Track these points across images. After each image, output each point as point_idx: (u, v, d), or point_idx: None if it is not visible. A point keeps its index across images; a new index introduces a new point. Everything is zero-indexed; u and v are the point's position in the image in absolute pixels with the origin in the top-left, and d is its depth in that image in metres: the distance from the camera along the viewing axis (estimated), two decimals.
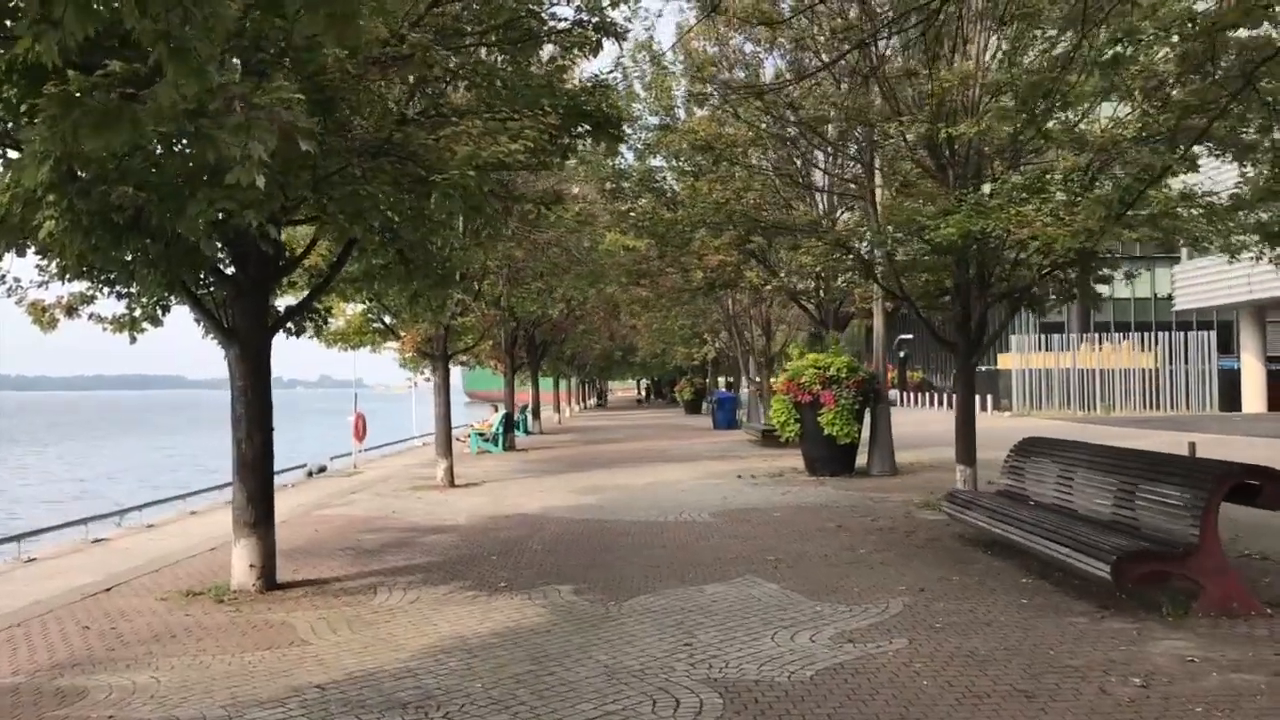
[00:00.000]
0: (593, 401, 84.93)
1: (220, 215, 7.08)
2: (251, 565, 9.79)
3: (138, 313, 11.10)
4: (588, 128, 10.94)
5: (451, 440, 20.60)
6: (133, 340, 11.23)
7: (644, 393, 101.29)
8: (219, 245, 9.24)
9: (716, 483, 19.14)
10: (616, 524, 14.07)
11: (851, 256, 15.35)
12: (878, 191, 17.76)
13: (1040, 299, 15.30)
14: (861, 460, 20.19)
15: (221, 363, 10.40)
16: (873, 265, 14.75)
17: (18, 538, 12.41)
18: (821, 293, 23.95)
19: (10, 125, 7.52)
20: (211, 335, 11.06)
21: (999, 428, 35.32)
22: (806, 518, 14.14)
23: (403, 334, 20.77)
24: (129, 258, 8.65)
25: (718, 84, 18.74)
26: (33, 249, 8.48)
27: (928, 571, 10.08)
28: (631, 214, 22.07)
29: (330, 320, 15.42)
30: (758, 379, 40.73)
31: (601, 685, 6.57)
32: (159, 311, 11.15)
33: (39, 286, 10.02)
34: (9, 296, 10.06)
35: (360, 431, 25.87)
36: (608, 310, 39.51)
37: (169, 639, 8.11)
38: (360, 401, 26.71)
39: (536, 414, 40.53)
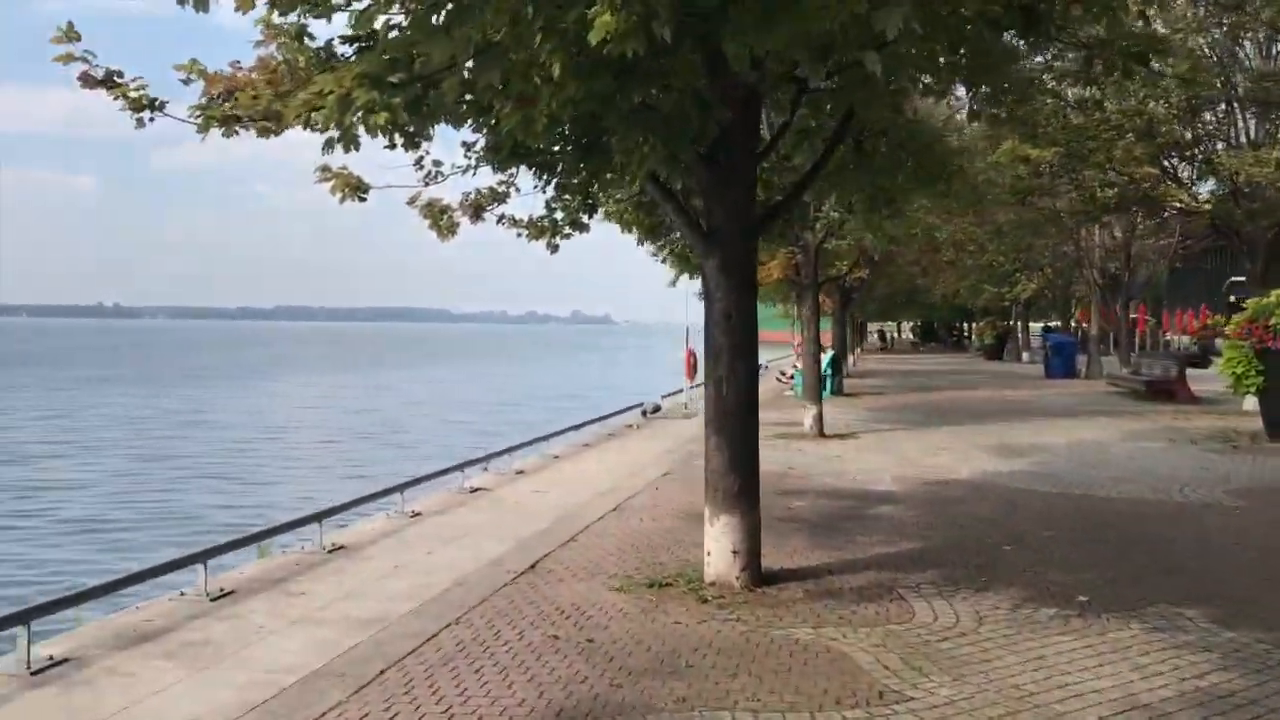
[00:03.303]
0: (872, 342, 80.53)
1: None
2: (735, 551, 7.19)
3: (560, 215, 8.76)
4: None
5: (820, 385, 17.81)
6: (554, 250, 8.93)
7: (918, 336, 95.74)
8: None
9: (1156, 446, 15.49)
10: (1106, 501, 10.89)
11: None
12: None
13: None
14: None
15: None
16: None
17: (400, 488, 10.48)
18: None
19: None
20: (668, 247, 8.60)
21: None
22: None
23: (764, 259, 18.01)
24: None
25: None
26: (463, 114, 6.05)
27: None
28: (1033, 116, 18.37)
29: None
30: (1098, 323, 36.05)
31: None
32: (584, 214, 8.78)
33: (464, 173, 7.66)
34: (425, 185, 7.75)
35: (691, 369, 23.57)
36: (927, 242, 35.60)
37: (684, 669, 5.58)
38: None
39: (844, 356, 37.31)
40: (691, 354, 23.84)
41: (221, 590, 7.23)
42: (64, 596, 6.16)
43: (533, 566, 8.01)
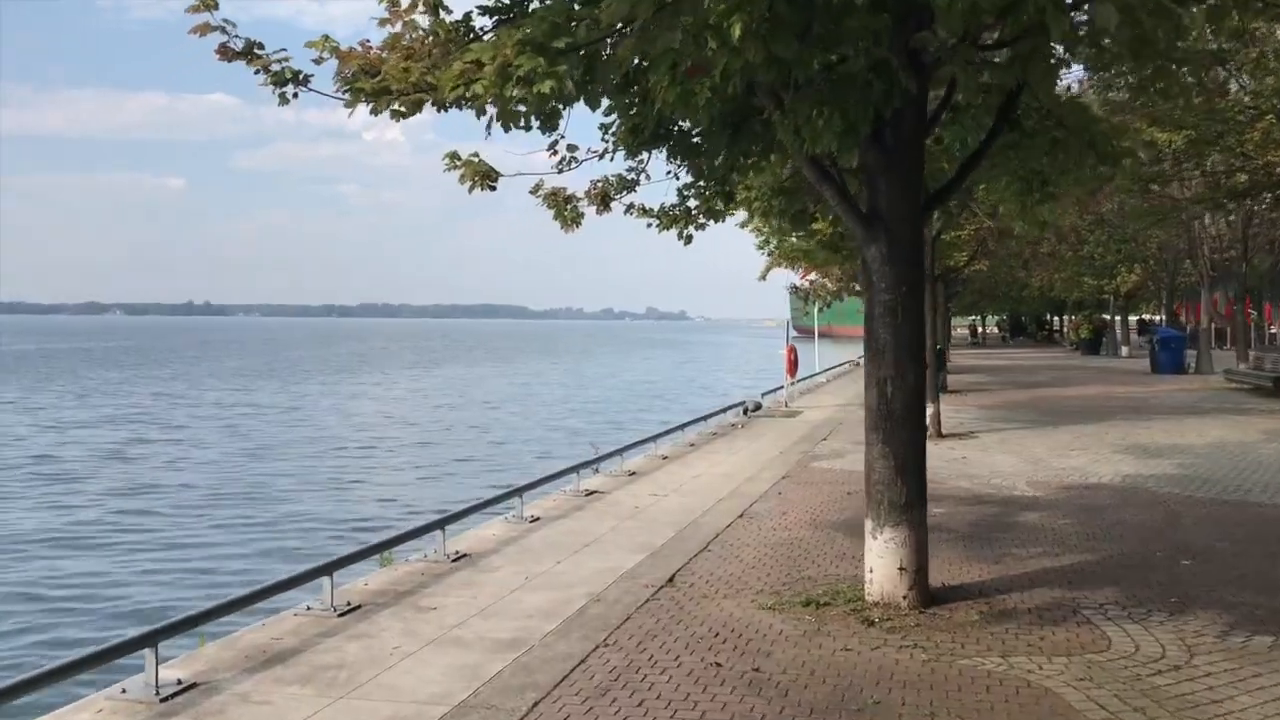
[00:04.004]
0: (960, 336, 78.69)
1: None
2: (901, 568, 6.57)
3: (693, 203, 8.19)
4: None
5: (936, 382, 17.00)
6: (687, 241, 8.38)
7: (1005, 330, 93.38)
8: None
9: None
10: (1274, 509, 10.05)
11: None
12: None
13: None
14: None
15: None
16: None
17: (519, 491, 10.02)
18: None
19: None
20: (818, 234, 7.98)
21: None
22: None
23: None
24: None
25: None
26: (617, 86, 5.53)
27: None
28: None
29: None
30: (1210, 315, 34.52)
31: None
32: (720, 201, 8.20)
33: (600, 157, 7.13)
34: (559, 172, 7.20)
35: (792, 366, 22.90)
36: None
37: (870, 705, 4.98)
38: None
39: (947, 351, 36.24)
40: (792, 350, 23.19)
41: (348, 604, 6.80)
42: (191, 615, 5.75)
43: (671, 580, 7.47)
